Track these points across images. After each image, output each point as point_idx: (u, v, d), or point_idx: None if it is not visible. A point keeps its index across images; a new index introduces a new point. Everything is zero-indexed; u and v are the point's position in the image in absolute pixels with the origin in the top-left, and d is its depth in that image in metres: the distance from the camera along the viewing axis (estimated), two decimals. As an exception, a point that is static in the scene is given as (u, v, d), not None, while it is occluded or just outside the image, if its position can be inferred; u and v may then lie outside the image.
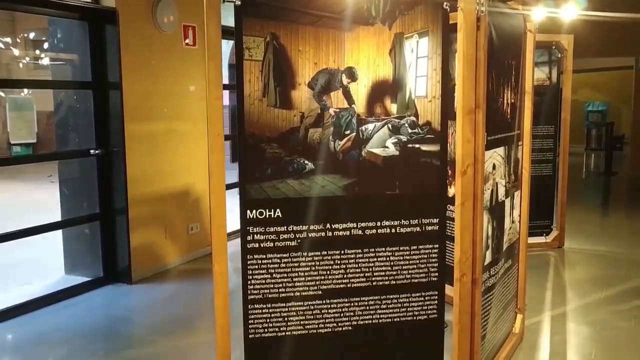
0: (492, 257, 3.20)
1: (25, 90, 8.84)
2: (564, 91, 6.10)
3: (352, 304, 2.79)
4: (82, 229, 5.17)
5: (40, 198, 9.64)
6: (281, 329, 2.73)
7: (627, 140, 16.02)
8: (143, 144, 5.20)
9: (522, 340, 3.84)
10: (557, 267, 5.57)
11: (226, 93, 11.66)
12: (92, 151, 4.96)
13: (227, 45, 12.29)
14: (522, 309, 3.91)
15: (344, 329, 2.80)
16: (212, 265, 2.62)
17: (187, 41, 5.67)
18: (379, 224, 2.76)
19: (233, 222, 2.66)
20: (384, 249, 2.78)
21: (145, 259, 5.28)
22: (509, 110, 3.35)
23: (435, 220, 2.83)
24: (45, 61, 13.85)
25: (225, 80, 11.71)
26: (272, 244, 2.67)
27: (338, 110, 2.68)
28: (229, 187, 6.31)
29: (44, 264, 5.73)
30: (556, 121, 6.12)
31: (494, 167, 3.16)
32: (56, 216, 5.28)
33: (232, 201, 2.73)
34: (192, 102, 5.80)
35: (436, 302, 2.88)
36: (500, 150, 3.24)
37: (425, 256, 2.84)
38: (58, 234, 5.32)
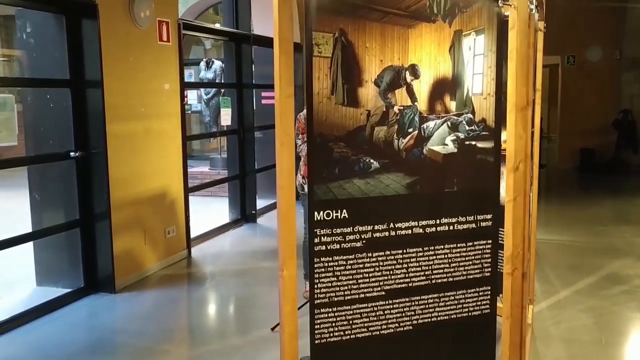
0: (524, 251, 3.28)
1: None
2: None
3: (413, 303, 2.77)
4: (57, 236, 4.83)
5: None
6: (346, 332, 2.66)
7: (545, 135, 16.98)
8: (123, 144, 4.94)
9: (533, 330, 3.96)
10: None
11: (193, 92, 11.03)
12: (71, 154, 4.64)
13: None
14: (532, 299, 4.04)
15: (405, 328, 2.77)
16: (265, 273, 2.51)
17: (161, 37, 5.42)
18: (438, 221, 2.76)
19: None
20: (442, 247, 2.78)
21: (127, 266, 5.02)
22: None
23: (489, 216, 2.86)
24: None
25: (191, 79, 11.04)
26: (338, 246, 2.60)
27: (402, 108, 2.64)
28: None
29: (9, 275, 5.32)
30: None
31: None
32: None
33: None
34: (167, 100, 5.57)
35: (489, 297, 2.91)
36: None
37: (480, 252, 2.86)
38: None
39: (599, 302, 4.52)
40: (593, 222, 7.43)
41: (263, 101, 8.29)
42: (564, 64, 12.38)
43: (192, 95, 13.38)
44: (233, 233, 7.01)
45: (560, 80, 12.60)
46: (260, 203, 7.76)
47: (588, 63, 12.02)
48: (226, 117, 6.96)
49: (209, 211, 7.80)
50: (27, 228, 4.81)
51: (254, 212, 7.43)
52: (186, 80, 14.07)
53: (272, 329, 3.99)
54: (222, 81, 9.35)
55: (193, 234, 6.37)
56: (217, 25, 7.45)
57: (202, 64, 9.87)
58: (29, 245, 4.85)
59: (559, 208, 8.93)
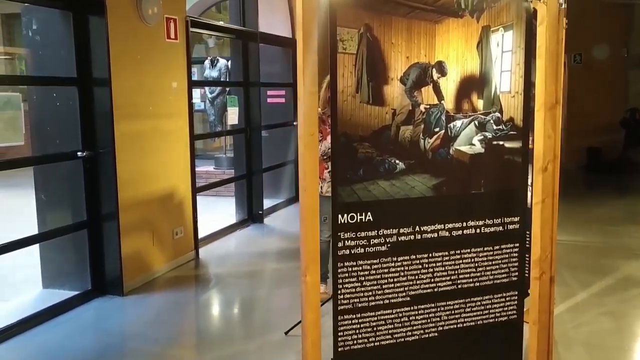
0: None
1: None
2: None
3: (439, 309, 2.68)
4: (64, 237, 4.72)
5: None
6: (370, 339, 2.57)
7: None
8: (131, 144, 4.83)
9: (553, 334, 3.86)
10: (547, 258, 5.68)
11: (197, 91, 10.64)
12: (78, 153, 4.54)
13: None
14: (553, 302, 3.94)
15: (430, 335, 2.68)
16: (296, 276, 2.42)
17: (169, 34, 5.32)
18: (465, 224, 2.66)
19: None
20: (469, 250, 2.69)
21: (135, 267, 4.92)
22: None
23: (516, 219, 2.76)
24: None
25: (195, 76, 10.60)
26: (362, 250, 2.51)
27: (428, 106, 2.55)
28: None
29: (15, 277, 5.22)
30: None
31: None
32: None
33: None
34: (175, 99, 5.46)
35: (516, 302, 2.82)
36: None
37: (507, 256, 2.77)
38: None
39: (617, 304, 4.42)
40: (603, 222, 7.33)
41: (268, 100, 8.18)
42: (570, 62, 12.26)
43: (195, 94, 13.26)
44: (240, 234, 6.91)
45: (567, 78, 12.48)
46: (266, 203, 7.65)
47: (595, 61, 11.90)
48: (233, 116, 6.85)
49: (215, 211, 7.69)
50: (33, 229, 4.71)
51: (260, 212, 7.33)
52: (190, 78, 13.93)
53: (286, 332, 3.89)
54: (227, 79, 9.25)
55: (200, 235, 6.27)
56: (222, 24, 7.34)
57: (207, 63, 9.76)
58: (35, 247, 4.75)
59: (566, 208, 8.73)
